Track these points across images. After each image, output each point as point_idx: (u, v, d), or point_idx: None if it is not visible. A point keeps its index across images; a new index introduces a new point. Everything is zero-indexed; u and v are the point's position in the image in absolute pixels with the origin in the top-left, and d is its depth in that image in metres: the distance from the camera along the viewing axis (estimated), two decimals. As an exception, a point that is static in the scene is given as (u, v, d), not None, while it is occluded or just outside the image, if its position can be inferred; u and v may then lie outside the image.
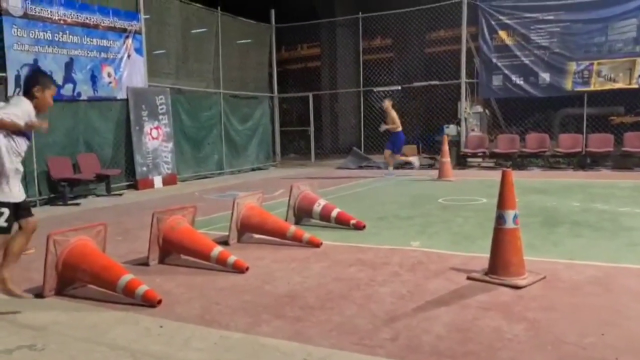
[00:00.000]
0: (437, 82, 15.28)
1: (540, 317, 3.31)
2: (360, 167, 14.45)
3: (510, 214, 3.98)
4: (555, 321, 3.26)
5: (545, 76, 13.10)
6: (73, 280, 4.11)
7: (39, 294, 4.03)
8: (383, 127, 12.18)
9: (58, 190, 9.31)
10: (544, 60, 13.07)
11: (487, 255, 4.15)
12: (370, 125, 16.49)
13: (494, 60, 13.56)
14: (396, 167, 12.63)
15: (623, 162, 12.12)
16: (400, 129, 11.84)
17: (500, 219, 4.02)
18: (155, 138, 11.53)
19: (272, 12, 16.04)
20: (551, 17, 12.97)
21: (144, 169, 11.26)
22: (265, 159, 15.83)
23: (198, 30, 13.50)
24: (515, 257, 4.02)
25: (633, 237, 5.38)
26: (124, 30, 10.96)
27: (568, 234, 5.68)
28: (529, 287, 3.87)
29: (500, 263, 4.03)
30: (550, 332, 3.09)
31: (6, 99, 8.49)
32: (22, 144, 3.86)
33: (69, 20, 9.77)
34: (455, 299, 3.70)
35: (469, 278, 4.13)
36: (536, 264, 4.33)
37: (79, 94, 10.02)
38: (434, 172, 11.76)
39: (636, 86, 12.22)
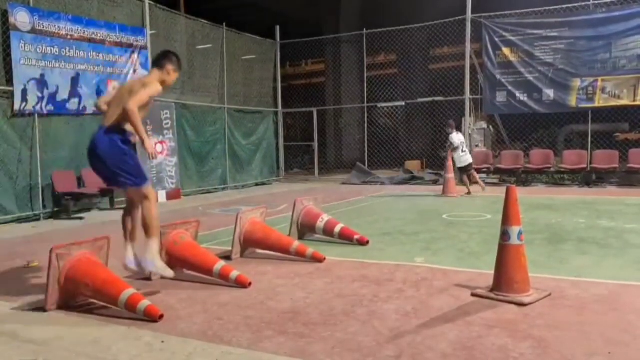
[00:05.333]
0: (441, 98, 15.33)
1: (546, 336, 3.27)
2: (365, 183, 14.45)
3: (515, 230, 3.96)
4: (562, 340, 3.22)
5: (550, 92, 13.12)
6: (76, 294, 4.09)
7: (41, 308, 4.01)
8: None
9: (62, 204, 9.33)
10: (548, 76, 13.10)
11: (492, 271, 4.12)
12: (374, 141, 16.54)
13: (498, 76, 13.60)
14: (403, 183, 12.58)
15: (628, 178, 12.07)
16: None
17: (504, 236, 3.99)
18: (159, 153, 11.55)
19: (277, 28, 16.17)
20: (555, 34, 13.02)
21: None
22: (269, 174, 15.84)
23: (203, 46, 13.60)
24: (520, 274, 3.98)
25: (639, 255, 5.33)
26: (130, 45, 11.05)
27: (574, 251, 5.64)
28: (534, 305, 3.83)
29: (505, 280, 3.99)
30: (556, 351, 3.05)
31: (12, 113, 8.66)
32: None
33: (75, 35, 9.86)
34: (460, 316, 3.66)
35: (473, 295, 4.09)
36: (541, 281, 4.29)
37: (85, 109, 10.07)
38: (439, 188, 11.73)
39: (640, 103, 12.23)
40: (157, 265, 4.33)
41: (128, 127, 4.19)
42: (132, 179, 4.25)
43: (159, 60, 4.48)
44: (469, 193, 10.91)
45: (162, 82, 4.36)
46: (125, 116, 4.08)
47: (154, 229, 4.32)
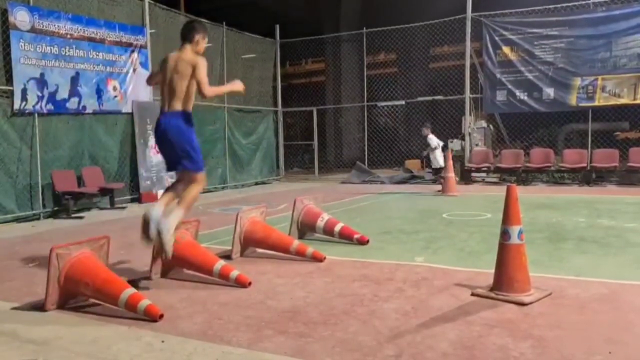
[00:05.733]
0: (441, 97, 15.33)
1: (547, 335, 3.27)
2: (364, 182, 14.44)
3: (515, 229, 3.95)
4: (562, 339, 3.21)
5: (550, 91, 13.11)
6: (75, 294, 4.09)
7: (41, 307, 4.01)
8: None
9: (62, 203, 9.33)
10: (548, 75, 13.09)
11: (492, 271, 4.11)
12: (374, 140, 16.53)
13: (498, 75, 13.59)
14: (403, 182, 12.63)
15: (628, 177, 12.07)
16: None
17: (505, 235, 3.99)
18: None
19: (277, 27, 16.16)
20: (555, 33, 13.01)
21: (148, 182, 11.27)
22: (269, 173, 15.83)
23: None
24: (520, 273, 3.98)
25: None
26: (130, 44, 11.05)
27: (574, 250, 5.63)
28: (535, 304, 3.83)
29: (505, 279, 3.99)
30: (556, 350, 3.05)
31: (12, 112, 8.65)
32: None
33: (75, 34, 9.85)
34: (460, 316, 3.66)
35: (473, 294, 4.09)
36: (542, 281, 4.29)
37: (85, 108, 10.07)
38: (438, 187, 11.73)
39: (641, 102, 12.22)
40: (170, 232, 4.44)
41: (188, 105, 4.56)
42: (194, 164, 4.60)
43: (187, 35, 4.72)
44: (440, 191, 11.45)
45: (197, 53, 4.68)
46: (191, 101, 4.54)
47: (188, 205, 4.60)
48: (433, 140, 11.57)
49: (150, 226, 4.41)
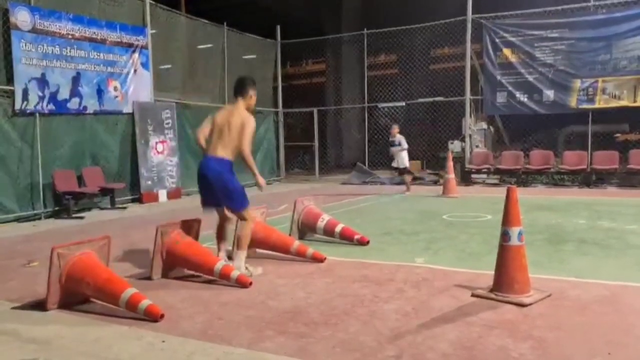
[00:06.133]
0: (441, 99, 15.34)
1: (547, 336, 3.28)
2: (365, 183, 14.45)
3: (515, 231, 3.96)
4: (562, 340, 3.22)
5: (550, 93, 13.13)
6: (76, 293, 4.09)
7: (42, 307, 4.02)
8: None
9: (63, 203, 9.33)
10: (548, 77, 13.10)
11: (492, 272, 4.12)
12: (375, 141, 16.53)
13: (499, 77, 13.60)
14: (403, 183, 12.62)
15: (628, 179, 12.07)
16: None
17: (505, 236, 3.99)
18: (160, 152, 11.56)
19: (278, 28, 16.17)
20: (555, 35, 13.03)
21: (149, 182, 11.28)
22: (270, 173, 15.83)
23: (204, 46, 13.60)
24: (521, 274, 3.98)
25: None
26: (131, 45, 11.06)
27: (574, 251, 5.64)
28: (535, 305, 3.84)
29: (505, 280, 3.99)
30: (556, 352, 3.05)
31: (13, 112, 8.66)
32: None
33: (76, 35, 9.87)
34: (461, 317, 3.66)
35: (474, 295, 4.10)
36: (542, 282, 4.30)
37: (85, 108, 10.08)
38: (439, 189, 11.74)
39: (641, 104, 12.23)
40: (242, 268, 4.81)
41: (231, 154, 4.85)
42: (236, 204, 4.93)
43: (241, 90, 5.01)
44: (407, 190, 11.75)
45: (248, 107, 5.01)
46: (235, 153, 4.83)
47: (244, 244, 4.93)
48: (404, 141, 11.54)
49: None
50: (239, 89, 5.02)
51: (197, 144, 5.16)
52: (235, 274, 4.54)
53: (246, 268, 4.86)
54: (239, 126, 4.81)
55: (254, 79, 5.25)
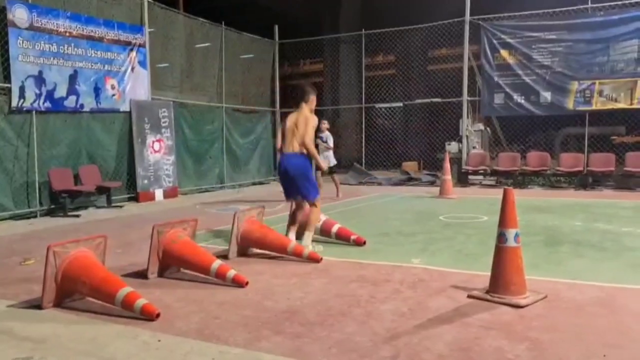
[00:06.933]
0: (439, 100, 15.35)
1: (542, 337, 3.29)
2: (361, 183, 14.45)
3: (511, 232, 3.97)
4: (558, 342, 3.23)
5: (547, 95, 13.15)
6: (72, 292, 4.08)
7: (37, 305, 4.01)
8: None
9: (59, 201, 9.31)
10: (545, 79, 13.13)
11: (489, 273, 4.13)
12: (372, 142, 16.55)
13: (496, 78, 13.62)
14: (400, 184, 12.62)
15: (624, 182, 12.10)
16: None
17: (501, 237, 4.00)
18: (157, 151, 11.54)
19: (276, 27, 16.16)
20: (553, 37, 13.05)
21: (145, 181, 11.26)
22: (267, 173, 15.82)
23: (202, 45, 13.58)
24: (517, 276, 3.99)
25: (636, 258, 5.35)
26: (129, 43, 11.03)
27: (570, 253, 5.66)
28: (531, 307, 3.85)
29: (502, 282, 4.00)
30: (552, 353, 3.06)
31: (10, 110, 8.64)
32: None
33: (74, 32, 9.84)
34: (457, 318, 3.67)
35: (470, 296, 4.10)
36: (538, 284, 4.31)
37: (82, 106, 10.05)
38: (436, 189, 11.75)
39: (637, 106, 12.26)
40: (309, 244, 5.64)
41: (304, 150, 5.74)
42: (311, 193, 5.78)
43: (304, 97, 5.91)
44: (338, 195, 10.99)
45: (310, 110, 5.91)
46: (303, 147, 5.71)
47: (311, 226, 5.73)
48: (331, 139, 10.90)
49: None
50: (303, 96, 5.91)
51: (278, 151, 6.15)
52: (231, 273, 4.53)
53: (313, 246, 5.66)
54: (302, 125, 5.72)
55: (312, 85, 6.23)
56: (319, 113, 6.88)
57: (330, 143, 10.88)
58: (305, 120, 5.74)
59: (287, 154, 5.77)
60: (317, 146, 10.38)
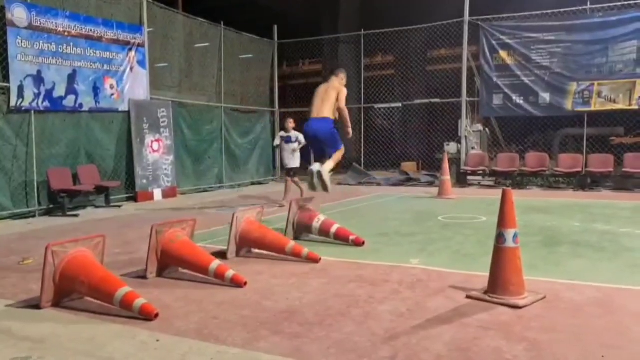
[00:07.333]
0: (438, 100, 15.36)
1: (541, 338, 3.29)
2: (360, 184, 14.45)
3: (510, 232, 3.97)
4: (556, 342, 3.23)
5: (546, 96, 13.16)
6: (71, 291, 4.08)
7: (36, 305, 4.00)
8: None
9: (57, 201, 9.30)
10: (544, 80, 13.14)
11: (487, 273, 4.13)
12: (371, 142, 16.55)
13: (495, 79, 13.63)
14: (399, 184, 12.58)
15: (623, 182, 12.12)
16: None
17: (500, 238, 4.00)
18: (156, 151, 11.54)
19: (275, 27, 16.16)
20: (552, 38, 13.06)
21: (144, 181, 11.25)
22: (266, 173, 15.83)
23: (201, 45, 13.58)
24: (515, 276, 3.99)
25: (635, 259, 5.35)
26: (128, 42, 11.03)
27: (569, 254, 5.66)
28: (529, 307, 3.85)
29: (500, 282, 4.00)
30: (550, 353, 3.06)
31: (9, 110, 8.63)
32: None
33: (73, 32, 9.83)
34: (455, 318, 3.67)
35: (468, 297, 4.11)
36: (536, 284, 4.31)
37: (81, 105, 10.05)
38: (434, 190, 11.76)
39: (636, 107, 12.27)
40: (327, 173, 6.50)
41: (332, 115, 6.57)
42: (337, 147, 6.63)
43: (335, 71, 6.92)
44: (302, 195, 9.43)
45: (339, 84, 6.74)
46: (334, 110, 6.57)
47: (335, 160, 6.64)
48: (301, 136, 9.40)
49: (313, 176, 6.47)
50: (334, 70, 6.94)
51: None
52: (230, 273, 4.53)
53: (331, 175, 6.56)
54: (334, 94, 6.57)
55: (344, 69, 7.04)
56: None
57: (303, 141, 9.52)
58: (335, 89, 6.57)
59: (315, 119, 6.53)
60: (281, 150, 10.13)
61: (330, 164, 6.54)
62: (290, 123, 10.14)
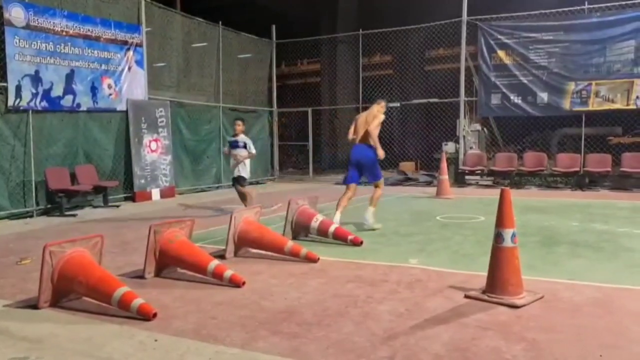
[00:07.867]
0: (436, 100, 15.36)
1: (540, 338, 3.29)
2: (358, 183, 14.41)
3: (508, 232, 3.97)
4: (555, 342, 3.23)
5: (544, 96, 13.17)
6: (69, 291, 4.07)
7: (33, 305, 3.99)
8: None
9: (55, 201, 9.28)
10: (542, 79, 13.14)
11: (486, 273, 4.13)
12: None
13: (493, 79, 13.64)
14: (397, 184, 12.51)
15: (621, 182, 12.13)
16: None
17: (498, 238, 4.00)
18: (154, 150, 11.52)
19: (273, 27, 16.15)
20: (550, 37, 13.07)
21: (142, 181, 11.24)
22: (263, 173, 15.81)
23: (199, 44, 13.57)
24: (514, 276, 3.99)
25: (633, 259, 5.36)
26: (125, 42, 11.01)
27: (567, 253, 5.66)
28: (528, 307, 3.85)
29: (498, 282, 4.00)
30: (549, 353, 3.06)
31: (6, 109, 8.61)
32: None
33: (71, 31, 9.81)
34: (454, 318, 3.67)
35: (467, 296, 4.11)
36: (534, 284, 4.31)
37: (79, 105, 10.03)
38: (433, 190, 11.76)
39: (634, 107, 12.29)
40: (371, 221, 7.10)
41: (372, 142, 7.07)
42: (377, 176, 7.25)
43: (376, 100, 7.40)
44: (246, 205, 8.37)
45: (378, 111, 7.17)
46: (368, 135, 7.06)
47: (376, 202, 7.22)
48: (251, 142, 8.65)
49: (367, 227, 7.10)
50: (375, 100, 7.44)
51: (348, 139, 7.43)
52: (228, 273, 4.52)
53: (374, 222, 7.10)
54: (371, 119, 7.10)
55: (385, 100, 7.45)
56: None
57: (252, 149, 8.56)
58: (374, 116, 7.09)
59: (359, 146, 7.14)
60: (231, 156, 8.66)
61: (372, 210, 7.14)
62: (239, 126, 8.66)
